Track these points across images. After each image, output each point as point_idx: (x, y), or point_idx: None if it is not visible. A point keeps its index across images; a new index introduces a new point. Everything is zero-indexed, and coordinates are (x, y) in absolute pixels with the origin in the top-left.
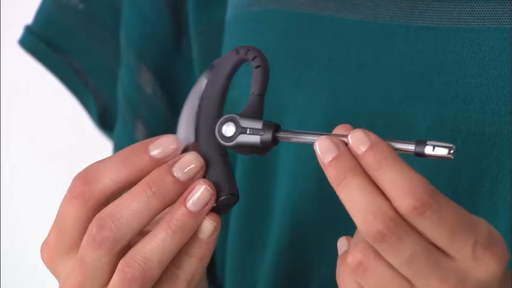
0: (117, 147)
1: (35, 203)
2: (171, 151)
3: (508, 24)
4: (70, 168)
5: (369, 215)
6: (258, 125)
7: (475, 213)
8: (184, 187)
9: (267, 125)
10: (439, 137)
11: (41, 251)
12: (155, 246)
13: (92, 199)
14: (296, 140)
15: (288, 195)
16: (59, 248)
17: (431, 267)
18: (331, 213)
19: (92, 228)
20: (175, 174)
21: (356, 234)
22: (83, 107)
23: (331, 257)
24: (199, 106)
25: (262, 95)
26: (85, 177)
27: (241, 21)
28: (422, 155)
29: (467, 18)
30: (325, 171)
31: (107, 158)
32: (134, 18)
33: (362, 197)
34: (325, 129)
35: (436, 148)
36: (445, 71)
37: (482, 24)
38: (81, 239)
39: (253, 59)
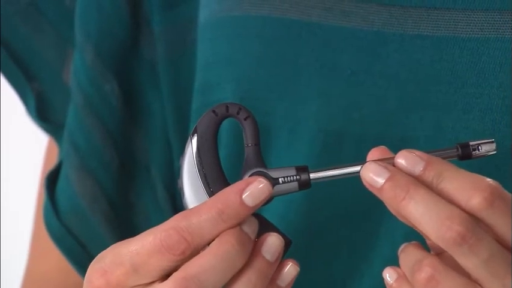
0: (73, 144)
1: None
2: (265, 196)
3: (508, 34)
4: None
5: (444, 221)
6: (291, 171)
7: None
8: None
9: (300, 169)
10: (438, 147)
11: (93, 275)
12: None
13: (189, 255)
14: (333, 176)
15: (281, 218)
16: (125, 284)
17: (506, 266)
18: (325, 233)
19: None
20: (249, 234)
21: (408, 257)
22: (20, 97)
23: (321, 278)
24: (203, 177)
25: (258, 144)
26: (182, 233)
27: (222, 26)
28: (468, 157)
29: (464, 27)
30: (380, 194)
31: (199, 210)
32: (93, 13)
33: (431, 205)
34: (317, 135)
35: (482, 146)
36: (443, 80)
37: (482, 34)
38: (152, 283)
39: (238, 113)
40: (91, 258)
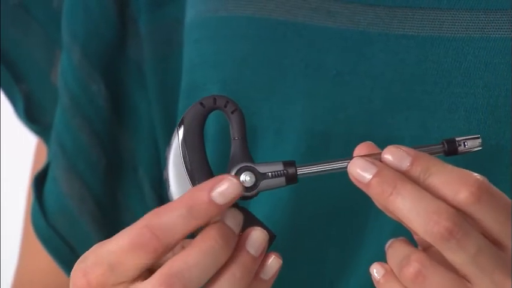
0: (60, 145)
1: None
2: (235, 197)
3: (492, 34)
4: None
5: (432, 216)
6: (278, 166)
7: None
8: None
9: (288, 164)
10: None
11: (76, 275)
12: None
13: (162, 252)
14: (320, 171)
15: (267, 218)
16: (105, 284)
17: (494, 261)
18: (311, 232)
19: (157, 286)
20: (233, 228)
21: (395, 252)
22: (8, 99)
23: (308, 278)
24: (188, 168)
25: (244, 137)
26: (154, 230)
27: (207, 26)
28: (454, 152)
29: (450, 27)
30: (368, 190)
31: (169, 208)
32: (79, 14)
33: (419, 200)
34: (302, 135)
35: (467, 142)
36: (428, 79)
37: (466, 34)
38: (136, 279)
39: (225, 106)
40: (78, 258)
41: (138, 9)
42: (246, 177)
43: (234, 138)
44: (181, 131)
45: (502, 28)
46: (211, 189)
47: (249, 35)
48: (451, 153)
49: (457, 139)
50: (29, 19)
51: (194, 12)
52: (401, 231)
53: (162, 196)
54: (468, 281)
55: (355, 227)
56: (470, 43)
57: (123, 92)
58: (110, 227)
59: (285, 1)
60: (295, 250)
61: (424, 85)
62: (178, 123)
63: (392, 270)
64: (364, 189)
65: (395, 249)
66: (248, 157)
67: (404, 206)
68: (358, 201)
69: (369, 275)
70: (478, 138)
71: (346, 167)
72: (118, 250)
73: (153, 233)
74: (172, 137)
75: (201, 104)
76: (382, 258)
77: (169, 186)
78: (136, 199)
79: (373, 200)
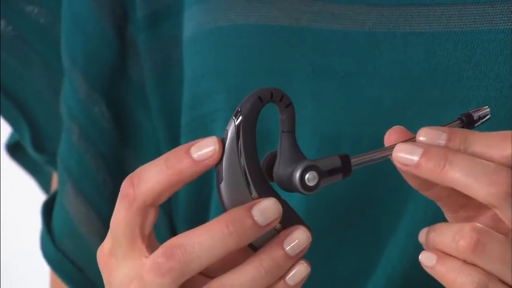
0: (66, 170)
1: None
2: (211, 153)
3: (501, 25)
4: None
5: (491, 176)
6: (336, 163)
7: None
8: (261, 231)
9: (344, 160)
10: None
11: (97, 254)
12: (244, 282)
13: (137, 201)
14: (368, 162)
15: None
16: (114, 253)
17: None
18: (322, 237)
19: (159, 256)
20: (255, 218)
21: (444, 232)
22: (14, 131)
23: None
24: (246, 163)
25: (294, 131)
26: (131, 179)
27: (210, 37)
28: (472, 124)
29: (457, 21)
30: (418, 170)
31: (153, 160)
32: (78, 38)
33: (473, 166)
34: (313, 138)
35: (480, 113)
36: (439, 75)
37: (474, 27)
38: (133, 246)
39: (281, 100)
40: (89, 281)
41: (136, 29)
42: (309, 176)
43: (284, 131)
44: (238, 123)
45: (510, 19)
46: (193, 144)
47: (253, 42)
48: (469, 125)
49: (472, 113)
50: (27, 50)
51: (194, 25)
52: (415, 231)
53: (170, 214)
54: None
55: (370, 228)
56: (479, 36)
57: (126, 112)
58: None
59: (287, 7)
60: (310, 252)
61: (434, 81)
62: (233, 113)
63: (443, 253)
64: (413, 171)
65: (441, 230)
66: (299, 151)
67: (461, 174)
68: (372, 204)
69: (385, 276)
70: (486, 108)
71: (390, 155)
72: (114, 210)
73: (130, 183)
74: (228, 128)
75: (260, 98)
76: (398, 258)
77: (222, 179)
78: None
79: (426, 177)
